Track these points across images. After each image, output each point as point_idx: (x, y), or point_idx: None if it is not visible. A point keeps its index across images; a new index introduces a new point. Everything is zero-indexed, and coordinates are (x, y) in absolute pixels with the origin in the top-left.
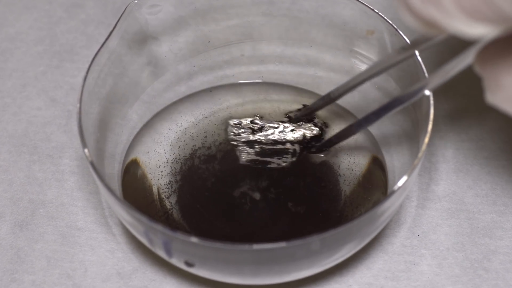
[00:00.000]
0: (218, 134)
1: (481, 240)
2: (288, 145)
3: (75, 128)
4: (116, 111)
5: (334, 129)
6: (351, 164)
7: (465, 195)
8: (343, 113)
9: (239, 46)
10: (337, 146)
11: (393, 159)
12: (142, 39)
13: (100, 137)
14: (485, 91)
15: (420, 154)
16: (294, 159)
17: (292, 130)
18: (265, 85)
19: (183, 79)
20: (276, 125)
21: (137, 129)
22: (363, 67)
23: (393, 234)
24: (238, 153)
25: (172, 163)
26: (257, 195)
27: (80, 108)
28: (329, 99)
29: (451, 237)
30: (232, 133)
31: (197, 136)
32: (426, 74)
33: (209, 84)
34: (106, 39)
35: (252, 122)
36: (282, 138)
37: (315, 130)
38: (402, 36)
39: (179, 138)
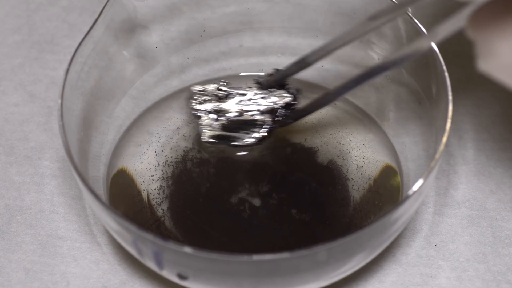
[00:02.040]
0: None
1: (504, 251)
2: (256, 116)
3: (56, 127)
4: (101, 107)
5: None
6: (360, 166)
7: (487, 201)
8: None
9: (237, 36)
10: (342, 146)
11: (407, 161)
12: (130, 28)
13: (83, 137)
14: (477, 58)
15: (437, 155)
16: (263, 132)
17: (262, 98)
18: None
19: (175, 72)
20: (244, 92)
21: (125, 128)
22: (374, 58)
23: (407, 243)
24: (200, 128)
25: (163, 166)
26: (257, 201)
27: (61, 104)
28: (303, 63)
29: (471, 247)
30: (194, 102)
31: (191, 136)
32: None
33: (204, 77)
34: (91, 28)
35: (218, 89)
36: (251, 106)
37: (288, 97)
38: (417, 23)
39: (171, 138)
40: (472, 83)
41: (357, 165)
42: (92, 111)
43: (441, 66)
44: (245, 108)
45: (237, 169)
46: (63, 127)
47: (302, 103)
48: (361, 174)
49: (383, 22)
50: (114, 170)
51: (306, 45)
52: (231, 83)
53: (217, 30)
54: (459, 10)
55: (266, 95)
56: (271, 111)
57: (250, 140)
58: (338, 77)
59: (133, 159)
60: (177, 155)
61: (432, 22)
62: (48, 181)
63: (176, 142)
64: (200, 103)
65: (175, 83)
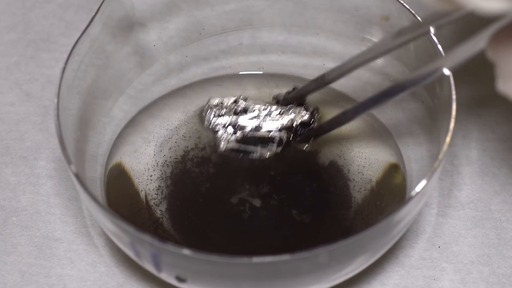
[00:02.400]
0: (201, 122)
1: (509, 253)
2: (273, 132)
3: (52, 126)
4: (98, 107)
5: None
6: (362, 167)
7: (492, 202)
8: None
9: (237, 34)
10: (343, 145)
11: (410, 161)
12: (128, 26)
13: (80, 137)
14: (496, 78)
15: (440, 156)
16: (279, 148)
17: (280, 114)
18: (267, 77)
19: (173, 70)
20: (262, 107)
21: (122, 128)
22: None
23: (410, 245)
24: (216, 139)
25: (161, 166)
26: (257, 202)
27: (57, 103)
28: (322, 81)
29: (475, 249)
30: (212, 114)
31: (190, 136)
32: (442, 51)
33: (203, 76)
34: (87, 26)
35: (235, 102)
36: (268, 122)
37: (306, 116)
38: (421, 22)
39: (170, 138)
40: (477, 82)
41: (358, 166)
42: (89, 110)
43: (438, 52)
44: (262, 124)
45: (238, 169)
46: (59, 127)
47: (320, 121)
48: (363, 174)
49: (406, 40)
50: (112, 171)
51: (307, 43)
52: (249, 97)
53: (216, 28)
54: (478, 31)
55: (284, 112)
56: (288, 129)
57: (266, 155)
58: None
59: (131, 159)
60: (176, 155)
61: (452, 43)
62: (44, 181)
63: (175, 142)
64: (217, 116)
65: (173, 82)
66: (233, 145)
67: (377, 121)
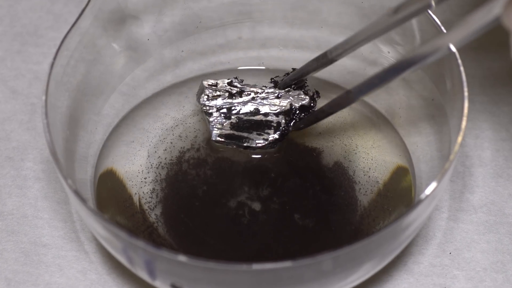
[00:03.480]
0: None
1: None
2: (271, 116)
3: (40, 125)
4: (89, 104)
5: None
6: (368, 168)
7: (506, 205)
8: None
9: (235, 27)
10: (351, 147)
11: (419, 162)
12: (120, 19)
13: (70, 136)
14: (511, 48)
15: (451, 156)
16: (276, 135)
17: (277, 97)
18: (267, 73)
19: (168, 66)
20: (258, 90)
21: (114, 127)
22: (383, 51)
23: (419, 251)
24: (209, 126)
25: (156, 168)
26: (257, 206)
27: (46, 101)
28: (325, 60)
29: (489, 256)
30: (206, 96)
31: (186, 136)
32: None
33: (199, 72)
34: (77, 19)
35: (230, 84)
36: (265, 106)
37: (306, 99)
38: (431, 14)
39: (165, 138)
40: (490, 79)
41: (364, 167)
42: (79, 108)
43: (456, 60)
44: (258, 107)
45: (236, 171)
46: (47, 126)
47: (320, 104)
48: (369, 176)
49: (407, 15)
50: (103, 172)
51: (310, 37)
52: (245, 79)
53: (214, 21)
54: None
55: (282, 95)
56: (286, 113)
57: (262, 142)
58: (344, 72)
59: (124, 160)
60: (172, 156)
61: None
62: (31, 184)
63: (171, 142)
64: (211, 98)
65: (168, 78)
66: (226, 131)
67: (384, 120)
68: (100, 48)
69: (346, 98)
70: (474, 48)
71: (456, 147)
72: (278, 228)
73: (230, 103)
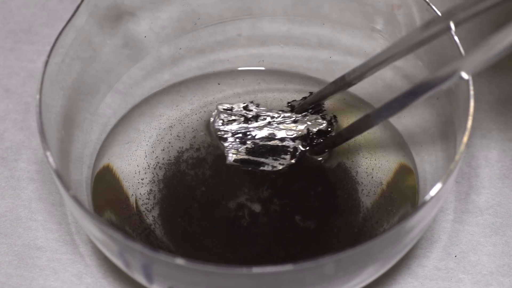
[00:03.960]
0: (209, 132)
1: None
2: (287, 142)
3: (34, 125)
4: (84, 104)
5: (346, 123)
6: (371, 169)
7: None
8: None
9: (235, 24)
10: (350, 145)
11: (424, 163)
12: (117, 16)
13: (65, 136)
14: None
15: (457, 157)
16: (293, 160)
17: (294, 122)
18: (268, 72)
19: (166, 64)
20: (274, 115)
21: (111, 126)
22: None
23: (424, 254)
24: (224, 150)
25: (154, 168)
26: (257, 207)
27: (40, 100)
28: (343, 83)
29: (495, 259)
30: (221, 121)
31: (184, 136)
32: (463, 52)
33: (198, 70)
34: (72, 16)
35: (245, 108)
36: (281, 131)
37: (323, 124)
38: (435, 11)
39: (162, 138)
40: (497, 77)
41: (367, 168)
42: (74, 107)
43: (459, 52)
44: (274, 132)
45: (236, 172)
46: (41, 125)
47: (336, 128)
48: (372, 177)
49: (426, 37)
50: (99, 173)
51: (311, 34)
52: (261, 104)
53: (213, 17)
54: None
55: (299, 119)
56: (303, 138)
57: (278, 167)
58: (347, 70)
59: (120, 160)
60: (170, 157)
61: (481, 37)
62: (25, 185)
63: (169, 142)
64: (226, 123)
65: (166, 77)
66: (242, 156)
67: (387, 119)
68: (96, 46)
69: (365, 122)
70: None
71: (462, 147)
72: (278, 230)
73: (246, 127)
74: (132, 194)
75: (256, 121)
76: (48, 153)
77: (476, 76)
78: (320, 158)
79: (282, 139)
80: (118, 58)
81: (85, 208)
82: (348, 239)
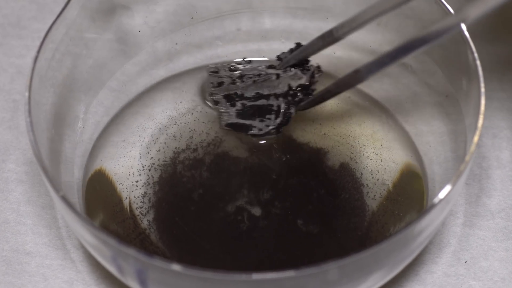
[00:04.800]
0: (207, 132)
1: None
2: (271, 100)
3: (23, 124)
4: (76, 102)
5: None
6: (377, 171)
7: None
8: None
9: (234, 18)
10: (354, 145)
11: (432, 164)
12: (109, 9)
13: (55, 136)
14: None
15: (467, 157)
16: (278, 120)
17: (277, 78)
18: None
19: (162, 60)
20: (259, 73)
21: (103, 126)
22: (394, 44)
23: (433, 260)
24: (218, 114)
25: (148, 170)
26: (257, 211)
27: (29, 97)
28: (331, 38)
29: (507, 264)
30: (211, 84)
31: (181, 136)
32: (472, 46)
33: (195, 66)
34: (63, 9)
35: (230, 69)
36: (266, 89)
37: (302, 78)
38: (445, 5)
39: (157, 138)
40: (509, 73)
41: (373, 169)
42: (65, 105)
43: (473, 53)
44: (260, 91)
45: (235, 173)
46: (31, 125)
47: (322, 83)
48: (378, 179)
49: None
50: (91, 175)
51: (314, 28)
52: (243, 62)
53: (211, 11)
54: None
55: (281, 75)
56: (285, 95)
57: (265, 129)
58: (351, 66)
59: (113, 161)
60: (165, 157)
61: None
62: (14, 187)
63: (164, 142)
64: (216, 85)
65: (161, 73)
66: (232, 120)
67: (393, 118)
68: (87, 41)
69: (354, 77)
70: (491, 41)
71: (472, 148)
72: (279, 234)
73: (234, 88)
74: (126, 197)
75: (242, 81)
76: (38, 154)
77: (486, 72)
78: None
79: (267, 97)
80: (111, 53)
81: (77, 211)
82: (352, 244)
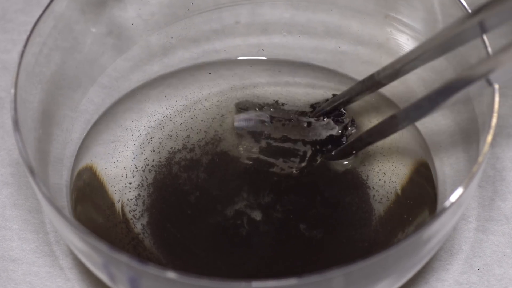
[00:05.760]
0: (205, 131)
1: None
2: (299, 145)
3: (9, 123)
4: (64, 99)
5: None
6: (384, 172)
7: None
8: (380, 103)
9: (232, 10)
10: (364, 149)
11: (443, 165)
12: (101, 1)
13: (43, 135)
14: None
15: (480, 158)
16: (302, 164)
17: (308, 125)
18: (269, 63)
19: (156, 55)
20: (288, 117)
21: (93, 124)
22: (402, 39)
23: (444, 267)
24: (240, 147)
25: (142, 171)
26: (257, 215)
27: (15, 95)
28: (371, 82)
29: None
30: (238, 117)
31: (177, 135)
32: (490, 50)
33: (191, 62)
34: (51, 1)
35: (260, 109)
36: (295, 134)
37: (334, 129)
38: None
39: (152, 137)
40: None
41: (380, 171)
42: (53, 103)
43: (486, 48)
44: (288, 135)
45: (234, 175)
46: (17, 123)
47: (353, 134)
48: (385, 181)
49: (487, 17)
50: (81, 176)
51: (317, 21)
52: (244, 70)
53: (208, 3)
54: None
55: (313, 123)
56: (313, 143)
57: (289, 170)
58: (357, 62)
59: (105, 162)
60: (160, 158)
61: None
62: None
63: (159, 142)
64: (243, 120)
65: (155, 69)
66: (254, 155)
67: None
68: (77, 34)
69: (390, 124)
70: (504, 35)
71: (486, 148)
72: (281, 240)
73: (261, 126)
74: (118, 200)
75: (271, 122)
76: (24, 154)
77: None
78: (346, 162)
79: (294, 142)
80: (102, 48)
81: (65, 215)
82: (358, 250)
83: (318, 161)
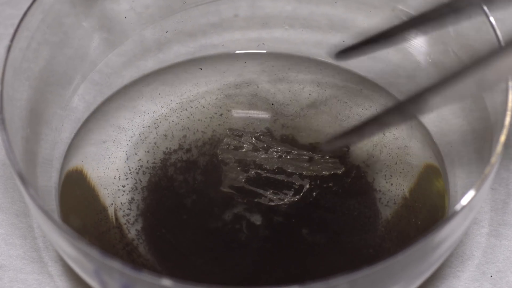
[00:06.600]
0: (202, 131)
1: None
2: (294, 178)
3: None
4: (54, 96)
5: (348, 110)
6: (391, 174)
7: None
8: (363, 85)
9: (231, 3)
10: (370, 148)
11: (454, 167)
12: None
13: (31, 135)
14: None
15: (493, 159)
16: (296, 198)
17: (309, 161)
18: (269, 58)
19: (150, 50)
20: (289, 150)
21: (84, 122)
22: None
23: (454, 274)
24: (222, 175)
25: (136, 173)
26: (257, 219)
27: (1, 92)
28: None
29: None
30: (227, 145)
31: (173, 135)
32: (501, 37)
33: (187, 57)
34: None
35: (257, 138)
36: (291, 167)
37: (341, 170)
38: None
39: (146, 137)
40: None
41: (387, 173)
42: (41, 101)
43: (499, 42)
44: (283, 167)
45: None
46: (3, 122)
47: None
48: (392, 184)
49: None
50: (71, 178)
51: (321, 14)
52: (244, 65)
53: None
54: None
55: (315, 159)
56: (313, 178)
57: (275, 202)
58: (363, 56)
59: (96, 164)
60: (155, 159)
61: None
62: None
63: (154, 142)
64: (231, 148)
65: (150, 64)
66: (238, 184)
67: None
68: (67, 28)
69: (384, 119)
70: None
71: (499, 148)
72: (282, 245)
73: (253, 157)
74: (111, 204)
75: (266, 153)
76: (11, 155)
77: None
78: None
79: (289, 174)
80: (94, 43)
81: (54, 219)
82: (364, 256)
83: (311, 199)
